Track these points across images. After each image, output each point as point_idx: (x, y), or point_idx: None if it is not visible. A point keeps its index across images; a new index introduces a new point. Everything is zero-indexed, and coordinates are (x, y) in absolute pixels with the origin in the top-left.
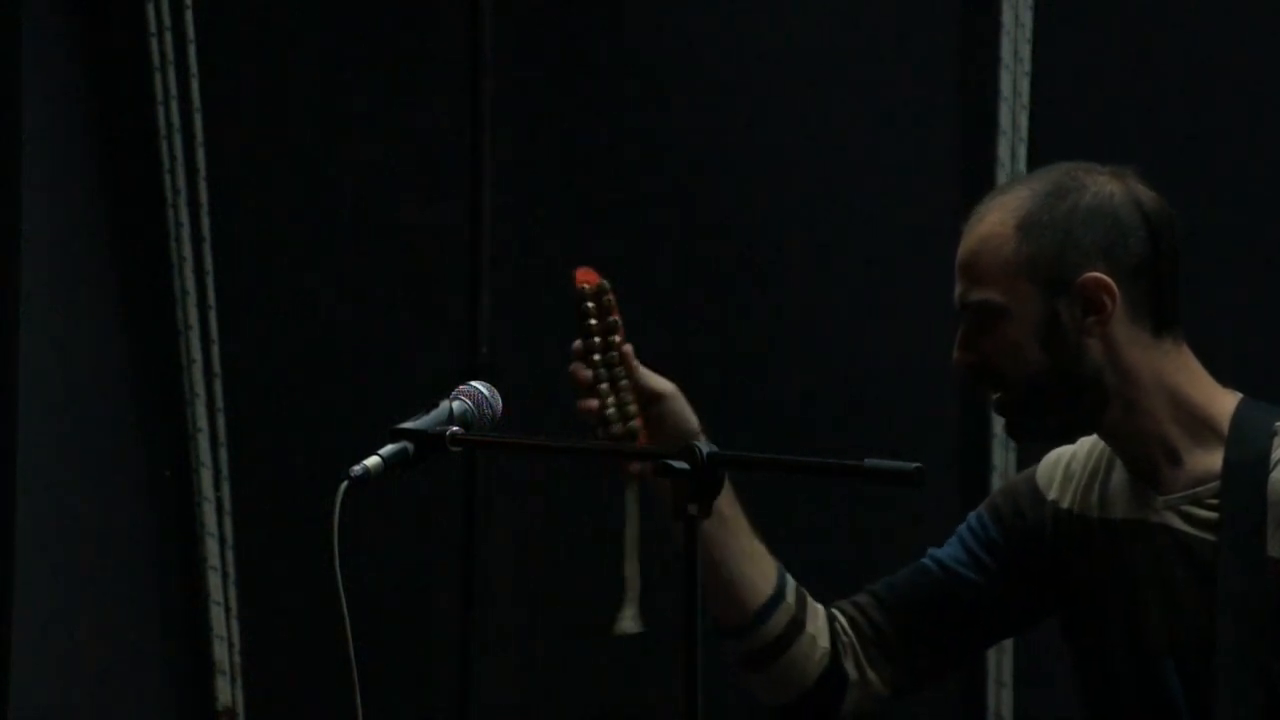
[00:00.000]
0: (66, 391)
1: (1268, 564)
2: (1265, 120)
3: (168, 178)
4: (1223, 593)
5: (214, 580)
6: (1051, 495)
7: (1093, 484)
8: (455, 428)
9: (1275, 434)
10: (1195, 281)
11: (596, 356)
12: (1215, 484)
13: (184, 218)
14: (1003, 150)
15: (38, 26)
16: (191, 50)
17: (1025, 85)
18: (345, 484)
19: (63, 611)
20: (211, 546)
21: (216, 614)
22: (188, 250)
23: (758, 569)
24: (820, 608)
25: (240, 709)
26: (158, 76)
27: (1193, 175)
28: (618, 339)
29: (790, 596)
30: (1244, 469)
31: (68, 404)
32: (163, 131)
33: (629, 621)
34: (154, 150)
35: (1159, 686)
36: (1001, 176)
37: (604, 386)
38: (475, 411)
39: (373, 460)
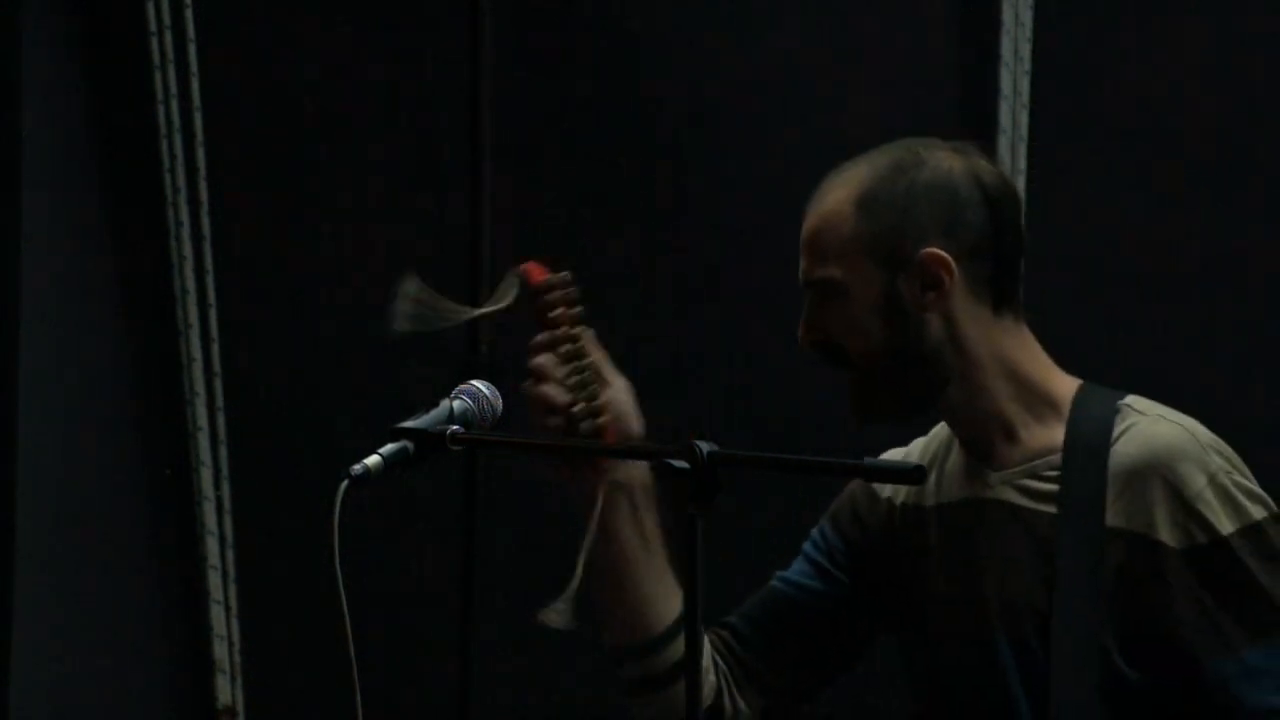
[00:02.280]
0: (66, 391)
1: (1106, 534)
2: (1266, 119)
3: (168, 176)
4: (1061, 563)
5: (214, 579)
6: (886, 493)
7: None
8: (456, 427)
9: (1118, 411)
10: (1195, 279)
11: (564, 348)
12: (1053, 457)
13: (184, 216)
14: (1003, 149)
15: (38, 26)
16: (191, 49)
17: (1025, 84)
18: (345, 483)
19: (63, 611)
20: (211, 545)
21: (216, 613)
22: (188, 249)
23: (668, 591)
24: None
25: (240, 708)
26: (158, 75)
27: (1193, 174)
28: (579, 330)
29: None
30: (1085, 442)
31: (68, 404)
32: (163, 130)
33: (555, 614)
34: (154, 149)
35: (990, 664)
36: None
37: (572, 380)
38: (476, 410)
39: (373, 459)
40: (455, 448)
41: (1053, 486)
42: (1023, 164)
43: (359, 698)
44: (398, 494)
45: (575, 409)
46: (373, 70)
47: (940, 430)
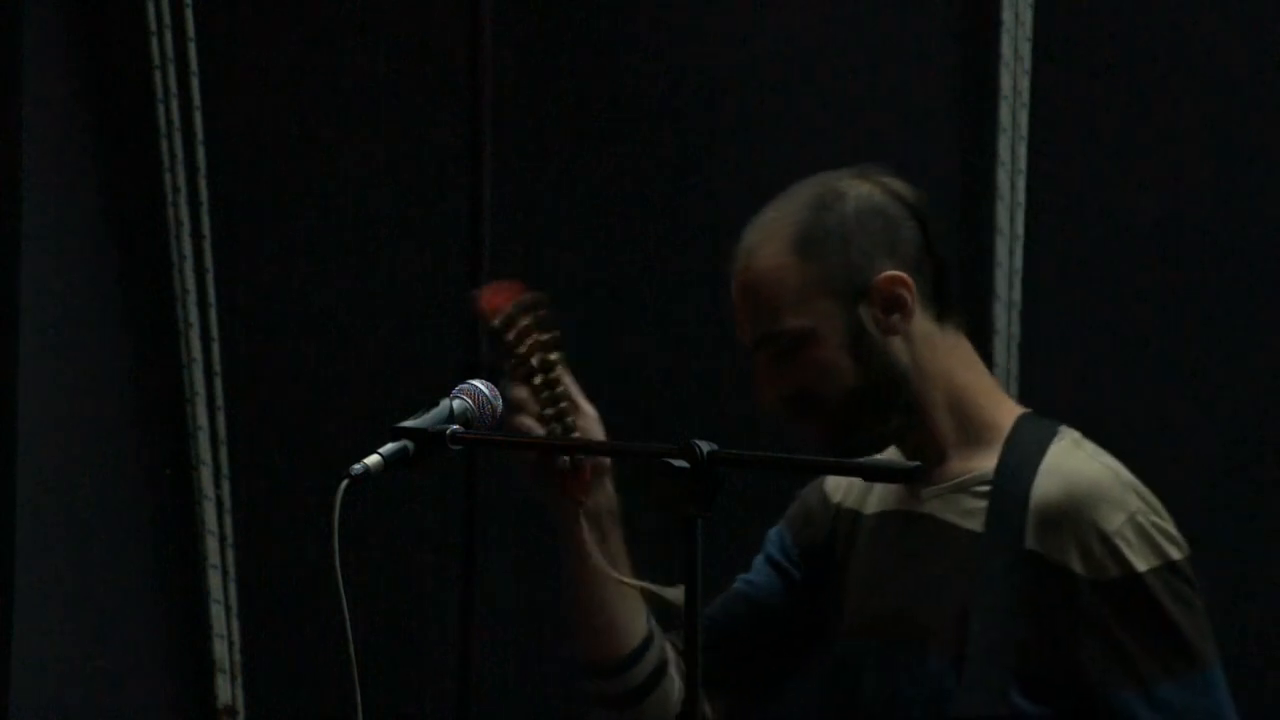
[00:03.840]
0: (66, 390)
1: (1025, 555)
2: (1265, 119)
3: (168, 176)
4: (979, 584)
5: (214, 579)
6: (836, 498)
7: (873, 483)
8: (455, 426)
9: (1051, 441)
10: (1194, 280)
11: (538, 379)
12: (983, 473)
13: (184, 216)
14: (1003, 149)
15: (38, 26)
16: (191, 48)
17: (1025, 83)
18: (345, 482)
19: (63, 611)
20: (212, 545)
21: (217, 612)
22: (188, 248)
23: (636, 610)
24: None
25: (240, 707)
26: (158, 75)
27: (1192, 175)
28: (554, 358)
29: (658, 638)
30: (1015, 469)
31: (68, 403)
32: (163, 130)
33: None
34: (154, 148)
35: (889, 670)
36: (1002, 176)
37: (548, 411)
38: (475, 410)
39: (373, 459)
40: (455, 447)
41: (981, 504)
42: (1023, 164)
43: (359, 697)
44: (398, 494)
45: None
46: (373, 70)
47: None
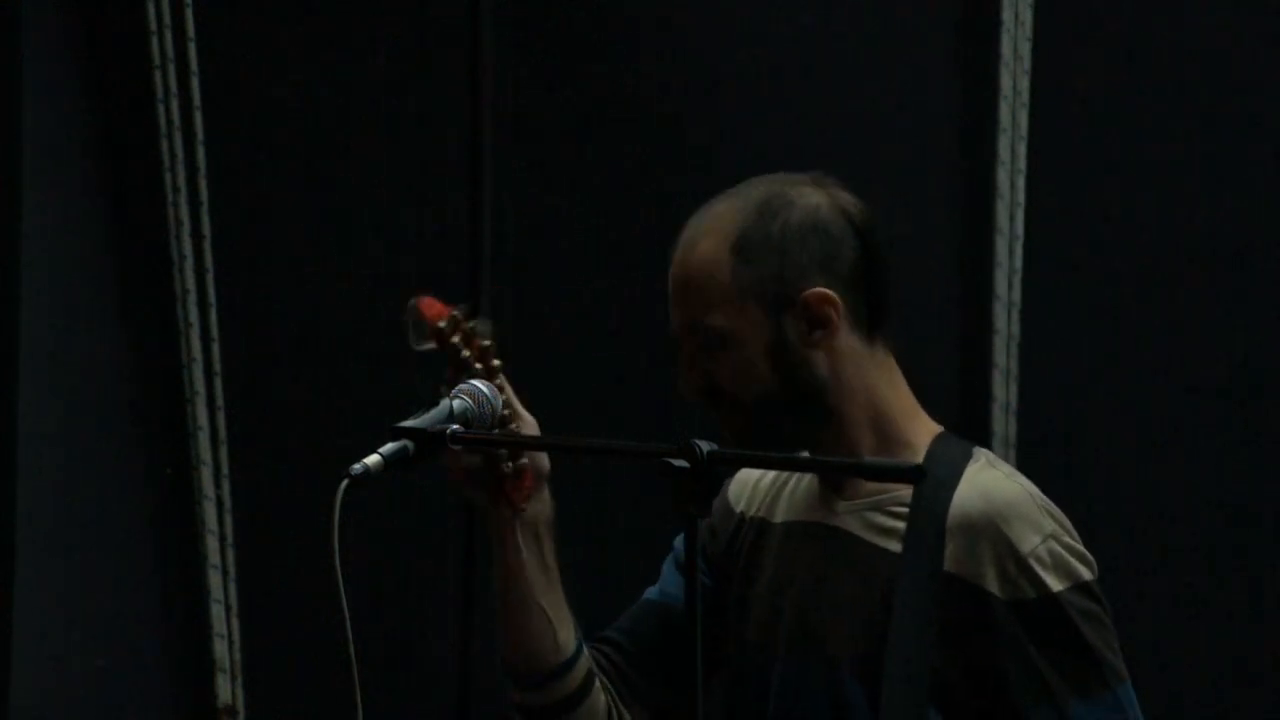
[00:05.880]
0: (66, 390)
1: (942, 577)
2: (1265, 119)
3: (168, 176)
4: (897, 605)
5: (214, 578)
6: (740, 508)
7: (780, 492)
8: (455, 426)
9: (967, 462)
10: (1194, 280)
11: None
12: (899, 493)
13: (184, 216)
14: (1003, 149)
15: (38, 26)
16: (191, 48)
17: (1025, 83)
18: (345, 482)
19: (63, 611)
20: (212, 544)
21: (217, 612)
22: (188, 248)
23: (566, 620)
24: None
25: (240, 707)
26: (158, 74)
27: (1192, 174)
28: (497, 364)
29: (585, 649)
30: (931, 488)
31: (68, 402)
32: (163, 129)
33: None
34: (154, 148)
35: (795, 682)
36: (1002, 175)
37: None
38: (475, 410)
39: (373, 459)
40: (455, 447)
41: (897, 524)
42: (1023, 164)
43: (359, 698)
44: (398, 494)
45: (498, 451)
46: (373, 70)
47: None
